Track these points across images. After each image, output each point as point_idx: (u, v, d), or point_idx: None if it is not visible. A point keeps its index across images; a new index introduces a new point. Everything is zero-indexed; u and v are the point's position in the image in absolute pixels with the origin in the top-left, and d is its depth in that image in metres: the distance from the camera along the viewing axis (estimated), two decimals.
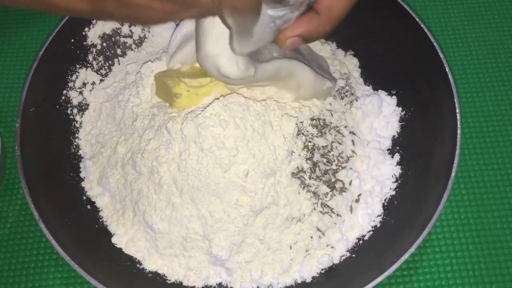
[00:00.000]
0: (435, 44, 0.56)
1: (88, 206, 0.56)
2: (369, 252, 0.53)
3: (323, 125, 0.55)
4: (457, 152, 0.52)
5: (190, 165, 0.50)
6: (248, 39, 0.42)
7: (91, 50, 0.63)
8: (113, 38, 0.64)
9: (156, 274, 0.53)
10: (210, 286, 0.53)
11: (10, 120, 0.64)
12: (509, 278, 0.55)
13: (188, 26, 0.55)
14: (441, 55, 0.56)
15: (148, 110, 0.55)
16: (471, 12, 0.70)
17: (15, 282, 0.55)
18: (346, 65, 0.63)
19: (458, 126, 0.53)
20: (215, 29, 0.44)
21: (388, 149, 0.59)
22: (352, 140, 0.57)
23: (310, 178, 0.52)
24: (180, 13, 0.37)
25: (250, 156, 0.50)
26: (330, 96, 0.57)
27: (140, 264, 0.54)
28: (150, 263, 0.53)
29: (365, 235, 0.55)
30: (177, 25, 0.64)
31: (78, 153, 0.59)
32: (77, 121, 0.61)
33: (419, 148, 0.57)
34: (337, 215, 0.54)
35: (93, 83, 0.63)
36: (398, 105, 0.60)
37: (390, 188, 0.57)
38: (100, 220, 0.56)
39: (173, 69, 0.56)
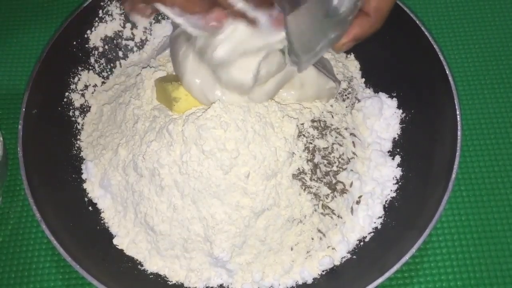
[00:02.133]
0: (435, 46, 0.56)
1: (90, 208, 0.56)
2: (369, 254, 0.53)
3: (323, 126, 0.55)
4: (458, 153, 0.52)
5: (191, 167, 0.50)
6: (309, 52, 0.46)
7: (93, 52, 0.63)
8: (115, 41, 0.64)
9: (157, 275, 0.53)
10: (211, 287, 0.53)
11: (12, 121, 0.64)
12: (510, 280, 0.55)
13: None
14: (441, 57, 0.56)
15: (149, 112, 0.55)
16: (472, 14, 0.71)
17: (17, 283, 0.55)
18: (348, 67, 0.63)
19: (459, 128, 0.53)
20: (190, 58, 0.48)
21: (389, 151, 0.59)
22: (353, 142, 0.57)
23: (311, 179, 0.52)
24: None
25: (251, 158, 0.50)
26: (332, 97, 0.57)
27: (142, 265, 0.54)
28: (152, 265, 0.54)
29: (366, 236, 0.55)
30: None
31: (80, 155, 0.59)
32: (79, 123, 0.61)
33: (419, 150, 0.57)
34: (338, 216, 0.54)
35: (95, 86, 0.63)
36: (398, 107, 0.61)
37: (391, 190, 0.57)
38: (102, 222, 0.56)
39: (172, 74, 0.56)
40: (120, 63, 0.65)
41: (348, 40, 0.46)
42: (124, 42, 0.65)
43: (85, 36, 0.62)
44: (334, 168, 0.54)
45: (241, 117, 0.50)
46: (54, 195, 0.54)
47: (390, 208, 0.56)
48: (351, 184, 0.55)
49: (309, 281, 0.53)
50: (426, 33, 0.57)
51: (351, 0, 0.43)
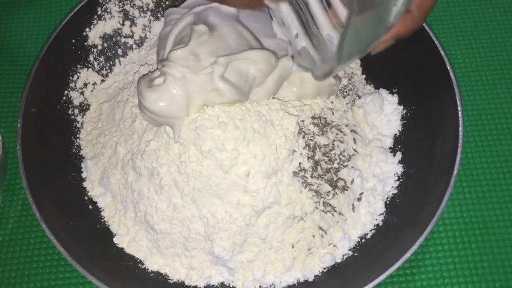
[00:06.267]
0: (436, 42, 0.56)
1: (90, 206, 0.56)
2: (371, 251, 0.53)
3: (324, 123, 0.55)
4: (459, 150, 0.52)
5: (190, 167, 0.50)
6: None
7: (92, 50, 0.63)
8: (114, 39, 0.64)
9: (158, 273, 0.53)
10: (212, 285, 0.53)
11: (11, 120, 0.64)
12: None
13: (182, 25, 0.54)
14: (443, 53, 0.56)
15: None
16: (473, 9, 0.70)
17: (17, 282, 0.55)
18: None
19: (460, 124, 0.53)
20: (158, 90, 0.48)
21: (390, 148, 0.59)
22: (354, 139, 0.57)
23: (312, 177, 0.52)
24: None
25: (251, 157, 0.49)
26: (333, 94, 0.57)
27: (142, 264, 0.54)
28: (152, 263, 0.53)
29: (367, 233, 0.55)
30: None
31: (80, 154, 0.59)
32: (78, 122, 0.61)
33: (421, 146, 0.57)
34: (339, 213, 0.54)
35: (94, 84, 0.63)
36: (399, 103, 0.60)
37: (392, 187, 0.56)
38: (102, 220, 0.56)
39: None
40: (119, 61, 0.64)
41: (388, 38, 0.43)
42: (123, 39, 0.65)
43: (84, 34, 0.62)
44: (335, 165, 0.54)
45: (240, 116, 0.49)
46: (54, 194, 0.54)
47: (391, 205, 0.56)
48: (352, 181, 0.55)
49: (311, 278, 0.53)
50: (427, 28, 0.57)
51: (403, 6, 0.41)
